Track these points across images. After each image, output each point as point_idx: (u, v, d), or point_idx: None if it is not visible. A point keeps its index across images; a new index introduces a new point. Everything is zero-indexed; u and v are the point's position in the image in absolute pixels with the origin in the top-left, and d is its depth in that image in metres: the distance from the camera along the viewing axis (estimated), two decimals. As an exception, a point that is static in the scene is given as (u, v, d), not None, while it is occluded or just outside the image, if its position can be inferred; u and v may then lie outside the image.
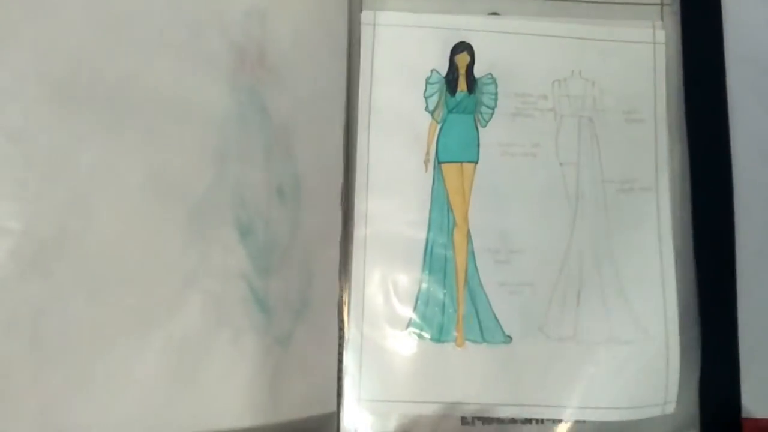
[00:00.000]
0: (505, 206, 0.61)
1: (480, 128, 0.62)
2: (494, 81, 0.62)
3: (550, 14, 0.63)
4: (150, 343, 0.50)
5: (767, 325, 0.59)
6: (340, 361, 0.59)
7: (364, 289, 0.60)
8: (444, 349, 0.59)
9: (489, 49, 0.63)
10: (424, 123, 0.62)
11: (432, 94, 0.62)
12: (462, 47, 0.63)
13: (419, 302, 0.60)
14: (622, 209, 0.61)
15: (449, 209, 0.61)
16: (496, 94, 0.62)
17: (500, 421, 0.59)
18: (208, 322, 0.52)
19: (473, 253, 0.60)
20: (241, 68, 0.55)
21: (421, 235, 0.61)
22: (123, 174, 0.49)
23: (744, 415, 0.58)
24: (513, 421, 0.59)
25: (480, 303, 0.60)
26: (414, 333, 0.59)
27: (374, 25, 0.62)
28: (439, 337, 0.59)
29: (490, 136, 0.62)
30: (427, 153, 0.61)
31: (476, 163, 0.62)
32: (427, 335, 0.59)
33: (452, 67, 0.63)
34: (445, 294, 0.60)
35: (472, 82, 0.63)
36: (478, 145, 0.62)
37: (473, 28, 0.63)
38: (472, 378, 0.59)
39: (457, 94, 0.62)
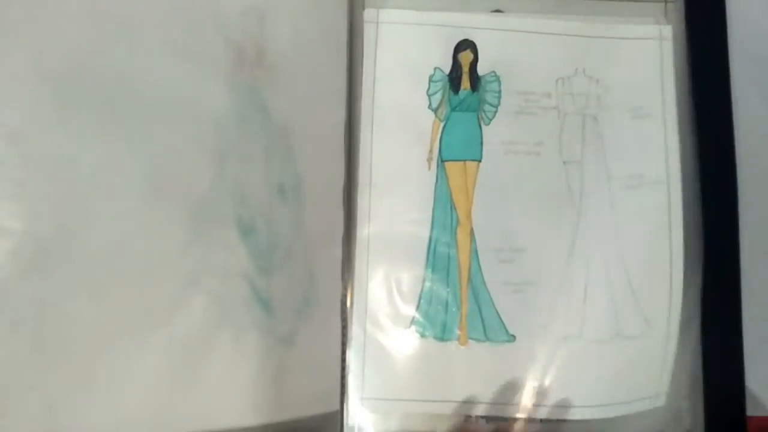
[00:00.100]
0: (508, 204, 0.61)
1: (483, 126, 0.62)
2: (497, 79, 0.62)
3: (553, 11, 0.63)
4: (152, 343, 0.50)
5: (772, 323, 0.59)
6: (343, 360, 0.59)
7: (367, 287, 0.60)
8: (447, 347, 0.59)
9: (492, 46, 0.62)
10: (427, 121, 0.62)
11: (435, 92, 0.62)
12: (465, 45, 0.62)
13: (422, 301, 0.60)
14: (631, 205, 0.60)
15: (452, 207, 0.61)
16: (499, 92, 0.62)
17: (503, 419, 0.59)
18: (210, 321, 0.52)
19: (476, 251, 0.60)
20: (240, 67, 0.55)
21: (424, 233, 0.60)
22: (123, 174, 0.49)
23: (749, 413, 0.58)
24: (516, 420, 0.58)
25: (483, 301, 0.59)
26: (417, 331, 0.59)
27: (377, 22, 0.62)
28: (442, 335, 0.59)
29: (493, 134, 0.62)
30: (430, 151, 0.61)
31: (479, 161, 0.61)
32: (430, 334, 0.59)
33: (455, 64, 0.62)
34: (448, 292, 0.60)
35: (475, 80, 0.62)
36: (482, 144, 0.61)
37: (476, 25, 0.63)
38: (476, 377, 0.59)
39: (460, 92, 0.62)
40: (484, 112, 0.62)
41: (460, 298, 0.60)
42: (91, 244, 0.48)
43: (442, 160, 0.61)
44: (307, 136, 0.58)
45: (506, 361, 0.59)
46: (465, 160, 0.61)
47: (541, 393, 0.58)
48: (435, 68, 0.62)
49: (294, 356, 0.56)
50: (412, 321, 0.59)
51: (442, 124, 0.62)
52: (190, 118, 0.52)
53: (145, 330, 0.50)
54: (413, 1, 0.63)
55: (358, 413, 0.58)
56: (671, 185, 0.60)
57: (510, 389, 0.58)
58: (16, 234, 0.46)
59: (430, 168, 0.61)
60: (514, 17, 0.63)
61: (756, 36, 0.63)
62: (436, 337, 0.59)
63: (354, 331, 0.59)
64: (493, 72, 0.62)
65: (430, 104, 0.62)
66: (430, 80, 0.62)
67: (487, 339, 0.59)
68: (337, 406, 0.58)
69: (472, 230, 0.60)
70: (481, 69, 0.62)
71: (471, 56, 0.62)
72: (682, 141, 0.61)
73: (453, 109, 0.62)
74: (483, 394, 0.58)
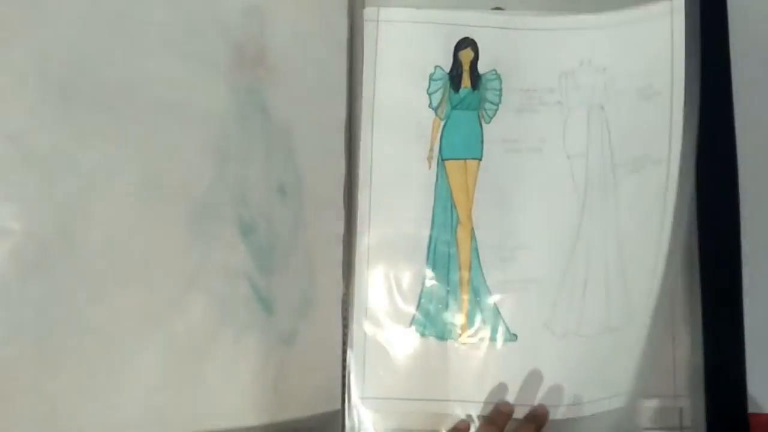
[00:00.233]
0: (509, 203, 0.61)
1: (484, 124, 0.62)
2: (499, 77, 0.62)
3: (555, 7, 0.63)
4: (153, 343, 0.50)
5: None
6: (343, 360, 0.59)
7: (368, 287, 0.60)
8: (448, 347, 0.59)
9: (493, 44, 0.62)
10: (427, 120, 0.62)
11: (435, 91, 0.62)
12: (466, 43, 0.62)
13: (423, 300, 0.60)
14: (632, 189, 0.60)
15: (452, 206, 0.61)
16: (500, 90, 0.62)
17: (515, 420, 0.58)
18: (211, 321, 0.52)
19: (477, 249, 0.60)
20: (240, 67, 0.55)
21: (425, 232, 0.61)
22: (124, 174, 0.49)
23: (750, 410, 0.58)
24: (517, 420, 0.58)
25: (484, 300, 0.59)
26: (417, 331, 0.59)
27: (377, 21, 0.62)
28: (443, 334, 0.59)
29: (494, 132, 0.61)
30: (431, 150, 0.61)
31: (480, 159, 0.61)
32: (430, 333, 0.59)
33: (456, 63, 0.62)
34: (448, 291, 0.60)
35: (476, 78, 0.62)
36: (482, 142, 0.61)
37: (477, 23, 0.62)
38: (477, 376, 0.59)
39: (460, 90, 0.62)
40: (485, 110, 0.62)
41: (461, 297, 0.60)
42: (92, 245, 0.48)
43: (442, 159, 0.61)
44: (308, 136, 0.58)
45: (507, 360, 0.59)
46: (465, 159, 0.61)
47: (542, 392, 0.58)
48: (435, 67, 0.62)
49: (294, 356, 0.56)
50: (413, 320, 0.59)
51: (442, 123, 0.62)
52: (190, 119, 0.52)
53: (145, 330, 0.50)
54: (413, -1, 0.63)
55: (358, 412, 0.58)
56: (671, 163, 0.59)
57: (512, 389, 0.58)
58: (17, 235, 0.46)
59: (430, 167, 0.61)
60: (515, 15, 0.63)
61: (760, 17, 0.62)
62: (436, 337, 0.59)
63: (354, 330, 0.59)
64: (494, 70, 0.62)
65: (430, 103, 0.62)
66: (431, 79, 0.62)
67: (489, 338, 0.59)
68: (338, 406, 0.58)
69: (472, 229, 0.60)
70: (482, 67, 0.62)
71: (471, 54, 0.62)
72: (688, 118, 0.60)
73: (453, 108, 0.62)
74: (484, 394, 0.58)
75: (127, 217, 0.49)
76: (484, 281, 0.60)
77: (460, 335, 0.59)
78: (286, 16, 0.57)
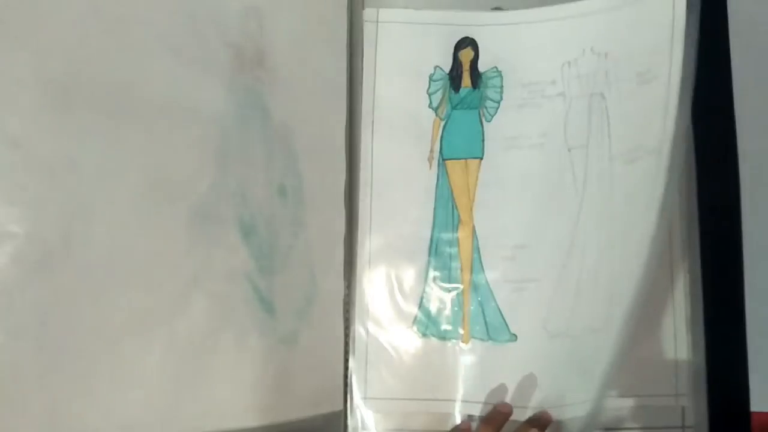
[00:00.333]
0: (510, 201, 0.61)
1: (485, 123, 0.62)
2: (499, 74, 0.62)
3: (555, 3, 0.62)
4: (154, 344, 0.50)
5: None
6: (345, 360, 0.59)
7: (369, 287, 0.60)
8: (449, 347, 0.59)
9: (494, 42, 0.62)
10: (427, 120, 0.62)
11: (435, 91, 0.62)
12: (466, 42, 0.62)
13: (424, 300, 0.60)
14: (626, 181, 0.58)
15: (453, 206, 0.61)
16: (501, 87, 0.62)
17: (515, 421, 0.58)
18: (212, 322, 0.52)
19: (478, 249, 0.60)
20: (240, 68, 0.55)
21: (426, 232, 0.61)
22: (124, 176, 0.49)
23: (753, 408, 0.58)
24: (516, 422, 0.58)
25: (485, 300, 0.59)
26: (419, 331, 0.59)
27: (377, 22, 0.62)
28: (445, 335, 0.59)
29: (495, 130, 0.61)
30: (431, 150, 0.61)
31: (481, 158, 0.61)
32: (432, 333, 0.59)
33: (456, 63, 0.62)
34: (450, 291, 0.60)
35: (476, 77, 0.62)
36: (483, 141, 0.61)
37: (477, 22, 0.62)
38: (478, 376, 0.59)
39: (461, 90, 0.62)
40: (486, 108, 0.62)
41: (463, 297, 0.60)
42: (93, 247, 0.48)
43: (443, 159, 0.61)
44: (308, 137, 0.58)
45: (508, 360, 0.59)
46: (466, 158, 0.61)
47: (540, 393, 0.58)
48: (435, 67, 0.62)
49: (296, 356, 0.56)
50: (415, 320, 0.60)
51: (442, 123, 0.62)
52: (190, 120, 0.52)
53: (147, 332, 0.50)
54: (413, 0, 0.63)
55: (360, 413, 0.58)
56: (663, 153, 0.56)
57: (512, 390, 0.58)
58: (18, 237, 0.46)
59: (431, 167, 0.61)
60: (515, 12, 0.62)
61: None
62: (438, 337, 0.59)
63: (356, 330, 0.59)
64: (495, 67, 0.62)
65: (430, 103, 0.62)
66: (431, 79, 0.62)
67: (490, 338, 0.59)
68: (340, 406, 0.58)
69: (473, 228, 0.60)
70: (482, 65, 0.62)
71: (472, 54, 0.62)
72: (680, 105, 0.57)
73: (454, 108, 0.62)
74: (485, 393, 0.58)
75: (128, 218, 0.49)
76: (486, 281, 0.60)
77: (462, 335, 0.59)
78: (286, 17, 0.58)
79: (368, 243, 0.60)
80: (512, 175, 0.61)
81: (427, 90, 0.62)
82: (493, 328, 0.59)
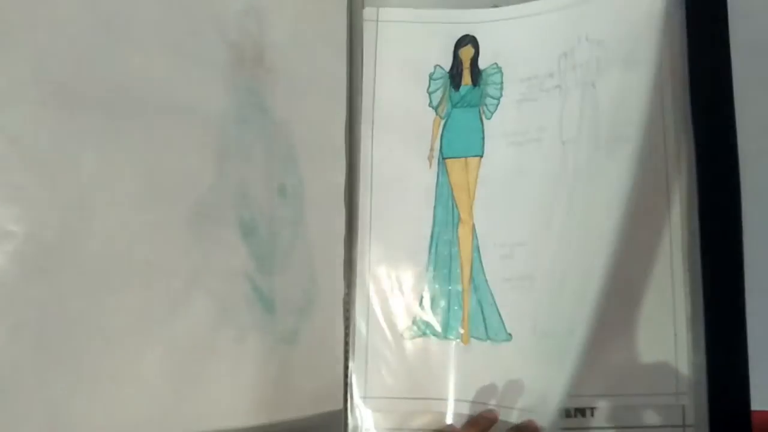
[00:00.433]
0: (508, 198, 0.60)
1: (485, 121, 0.61)
2: (500, 70, 0.62)
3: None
4: (155, 344, 0.50)
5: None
6: (345, 359, 0.59)
7: (369, 286, 0.60)
8: (449, 346, 0.59)
9: (494, 38, 0.62)
10: (427, 119, 0.62)
11: (436, 90, 0.62)
12: (466, 40, 0.62)
13: (424, 299, 0.60)
14: (609, 174, 0.55)
15: (454, 205, 0.61)
16: (501, 83, 0.62)
17: (505, 422, 0.58)
18: (212, 321, 0.52)
19: (478, 248, 0.60)
20: (240, 67, 0.55)
21: (426, 231, 0.61)
22: (124, 175, 0.49)
23: (754, 407, 0.58)
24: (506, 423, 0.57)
25: (485, 299, 0.59)
26: (419, 330, 0.59)
27: (377, 21, 0.62)
28: (445, 334, 0.59)
29: (495, 127, 0.61)
30: (431, 149, 0.61)
31: (481, 156, 0.61)
32: (432, 332, 0.59)
33: (456, 61, 0.62)
34: (450, 291, 0.60)
35: (476, 75, 0.62)
36: (483, 138, 0.61)
37: (476, 20, 0.62)
38: (478, 376, 0.59)
39: (461, 88, 0.62)
40: (486, 105, 0.61)
41: (463, 296, 0.60)
42: (93, 246, 0.48)
43: (443, 158, 0.61)
44: (308, 136, 0.58)
45: (504, 360, 0.58)
46: (466, 157, 0.61)
47: (536, 394, 0.57)
48: (435, 66, 0.62)
49: (296, 356, 0.56)
50: (414, 320, 0.60)
51: (442, 122, 0.62)
52: (190, 119, 0.52)
53: (147, 331, 0.50)
54: (413, -1, 0.63)
55: (360, 412, 0.58)
56: (638, 142, 0.54)
57: (510, 390, 0.58)
58: (17, 236, 0.46)
59: (431, 166, 0.61)
60: (514, 6, 0.62)
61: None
62: (438, 336, 0.59)
63: (356, 330, 0.59)
64: (495, 64, 0.62)
65: (430, 102, 0.62)
66: (431, 78, 0.62)
67: (488, 338, 0.59)
68: (340, 405, 0.58)
69: (473, 227, 0.60)
70: (483, 62, 0.62)
71: (472, 51, 0.62)
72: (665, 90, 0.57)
73: (454, 106, 0.62)
74: (485, 393, 0.58)
75: (127, 218, 0.49)
76: (485, 280, 0.60)
77: (462, 335, 0.59)
78: (286, 16, 0.58)
79: (368, 242, 0.60)
80: (511, 172, 0.60)
81: (427, 89, 0.62)
82: (491, 328, 0.59)
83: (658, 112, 0.57)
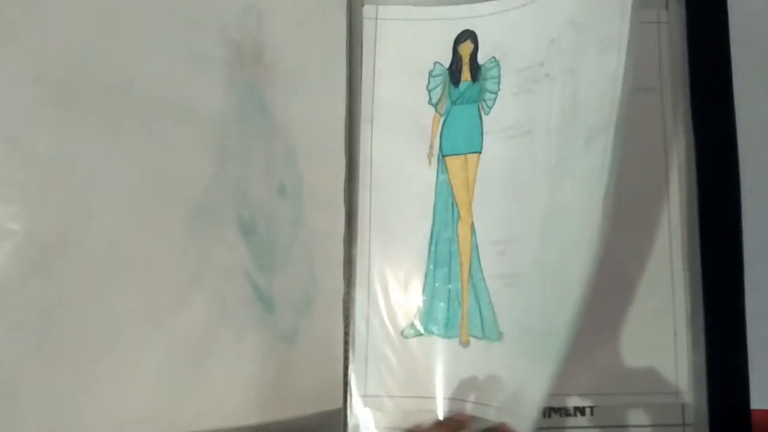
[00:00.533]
0: (504, 194, 0.59)
1: (484, 116, 0.61)
2: (497, 64, 0.61)
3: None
4: (154, 343, 0.50)
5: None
6: (345, 358, 0.59)
7: (369, 284, 0.60)
8: (449, 344, 0.59)
9: (492, 32, 0.62)
10: (427, 116, 0.62)
11: (435, 87, 0.62)
12: (465, 35, 0.62)
13: (424, 297, 0.60)
14: (583, 165, 0.51)
15: (453, 202, 0.60)
16: (499, 76, 0.61)
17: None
18: (212, 320, 0.52)
19: (477, 246, 0.60)
20: (239, 66, 0.55)
21: (426, 229, 0.60)
22: (123, 174, 0.49)
23: (753, 406, 0.58)
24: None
25: (482, 298, 0.59)
26: (419, 329, 0.59)
27: (376, 19, 0.62)
28: (445, 332, 0.59)
29: (492, 122, 0.61)
30: (431, 147, 0.61)
31: (480, 153, 0.61)
32: (432, 331, 0.59)
33: (455, 57, 0.62)
34: (450, 289, 0.60)
35: (476, 70, 0.62)
36: (482, 134, 0.61)
37: (475, 14, 0.62)
38: (476, 374, 0.58)
39: (460, 84, 0.62)
40: (485, 101, 0.61)
41: (462, 295, 0.59)
42: (92, 245, 0.48)
43: (442, 155, 0.61)
44: (307, 134, 0.58)
45: (495, 359, 0.57)
46: (466, 154, 0.61)
47: (531, 394, 0.56)
48: (434, 63, 0.62)
49: (296, 354, 0.56)
50: (414, 318, 0.59)
51: (442, 119, 0.61)
52: (189, 118, 0.52)
53: (146, 330, 0.50)
54: (412, -3, 0.62)
55: (360, 410, 0.58)
56: (610, 132, 0.47)
57: (507, 390, 0.58)
58: (17, 235, 0.46)
59: (430, 164, 0.61)
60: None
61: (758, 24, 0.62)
62: (438, 334, 0.59)
63: (355, 328, 0.59)
64: (493, 57, 0.62)
65: (430, 99, 0.62)
66: (430, 75, 0.62)
67: (485, 336, 0.58)
68: (340, 404, 0.58)
69: (472, 224, 0.60)
70: (482, 57, 0.62)
71: (471, 46, 0.62)
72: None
73: (453, 103, 0.62)
74: (483, 392, 0.58)
75: (126, 216, 0.49)
76: (483, 278, 0.59)
77: (461, 333, 0.59)
78: (285, 14, 0.58)
79: (368, 240, 0.60)
80: (505, 167, 0.60)
81: (427, 86, 0.62)
82: (487, 327, 0.58)
83: (657, 112, 0.57)
